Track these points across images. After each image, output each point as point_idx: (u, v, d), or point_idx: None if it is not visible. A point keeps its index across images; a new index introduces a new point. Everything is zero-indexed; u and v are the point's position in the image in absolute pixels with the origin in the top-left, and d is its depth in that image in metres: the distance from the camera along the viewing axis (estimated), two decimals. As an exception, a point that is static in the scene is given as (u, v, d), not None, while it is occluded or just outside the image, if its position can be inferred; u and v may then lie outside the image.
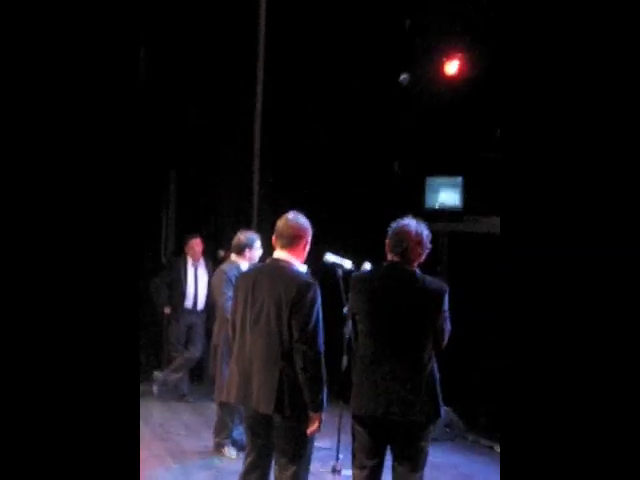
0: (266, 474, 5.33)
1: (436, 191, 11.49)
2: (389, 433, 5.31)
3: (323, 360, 5.10)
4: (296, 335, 5.03)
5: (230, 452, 8.29)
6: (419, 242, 5.36)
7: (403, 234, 5.37)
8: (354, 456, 5.47)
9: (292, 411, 5.04)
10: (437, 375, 5.30)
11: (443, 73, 11.17)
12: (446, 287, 5.30)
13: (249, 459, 5.35)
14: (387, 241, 5.46)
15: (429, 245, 5.44)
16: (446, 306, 5.27)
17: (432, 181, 11.54)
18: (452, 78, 11.16)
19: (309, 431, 5.13)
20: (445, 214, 11.47)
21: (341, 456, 7.67)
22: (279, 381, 5.05)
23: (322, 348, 5.09)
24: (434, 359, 5.29)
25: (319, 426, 5.14)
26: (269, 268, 5.35)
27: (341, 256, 7.36)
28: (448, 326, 5.31)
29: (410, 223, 5.42)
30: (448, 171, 11.47)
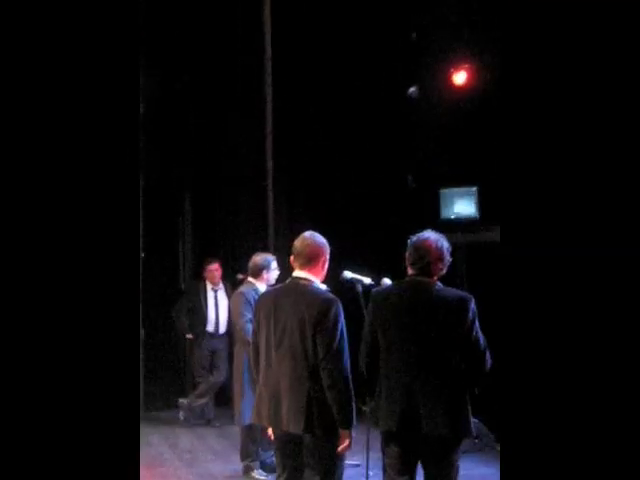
0: None
1: (451, 202, 11.45)
2: (418, 449, 5.27)
3: (350, 377, 5.08)
4: (322, 353, 5.02)
5: (260, 475, 8.27)
6: (440, 255, 5.34)
7: (423, 248, 5.34)
8: (385, 472, 5.44)
9: (322, 430, 5.03)
10: (477, 386, 5.24)
11: (451, 83, 11.16)
12: (470, 297, 5.23)
13: (282, 478, 5.33)
14: (407, 255, 5.43)
15: (449, 258, 5.41)
16: (473, 317, 5.19)
17: (446, 192, 11.52)
18: (461, 88, 11.15)
19: (340, 449, 5.11)
20: (461, 225, 11.44)
21: (371, 473, 7.65)
22: (307, 400, 5.04)
23: (348, 365, 5.07)
24: (466, 374, 5.21)
25: (350, 443, 5.12)
26: (289, 288, 5.35)
27: (359, 273, 7.36)
28: (482, 338, 5.22)
29: (430, 236, 5.40)
30: (462, 181, 11.45)
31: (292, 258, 5.39)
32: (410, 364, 5.25)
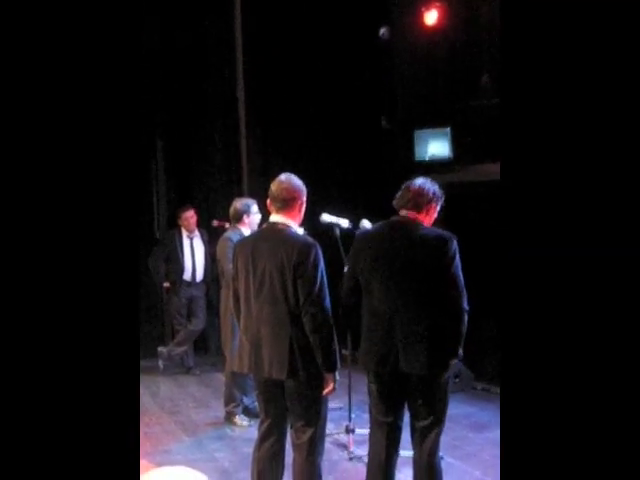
0: (282, 440, 5.31)
1: (425, 143, 11.44)
2: (401, 388, 5.26)
3: (332, 320, 5.05)
4: (302, 298, 4.99)
5: (242, 420, 8.28)
6: (429, 200, 5.29)
7: (413, 191, 5.31)
8: (370, 414, 5.44)
9: (306, 375, 5.01)
10: (452, 327, 5.18)
11: (423, 24, 11.05)
12: (450, 236, 5.15)
13: (264, 426, 5.32)
14: (397, 197, 5.38)
15: (439, 205, 5.36)
16: (453, 256, 5.12)
17: (420, 133, 11.49)
18: (432, 28, 11.05)
19: (325, 392, 5.10)
20: (436, 165, 11.42)
21: (353, 415, 7.68)
22: (290, 346, 5.01)
23: (330, 308, 5.04)
24: (450, 312, 5.15)
25: (334, 386, 5.11)
26: (267, 233, 5.29)
27: (337, 216, 7.33)
28: (460, 279, 5.14)
29: (421, 181, 5.35)
30: (436, 122, 11.41)
31: (268, 202, 5.32)
32: (389, 304, 5.21)
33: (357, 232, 5.60)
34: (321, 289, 5.00)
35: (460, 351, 5.15)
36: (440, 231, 5.24)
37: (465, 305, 5.09)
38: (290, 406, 5.15)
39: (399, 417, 5.39)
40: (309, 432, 5.11)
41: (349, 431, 7.45)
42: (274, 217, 5.25)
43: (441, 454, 6.98)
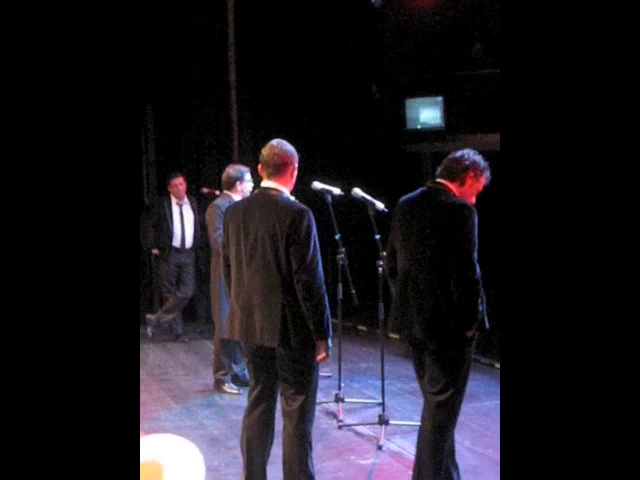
0: (272, 407, 5.29)
1: (417, 112, 11.40)
2: (422, 355, 5.34)
3: (324, 287, 5.02)
4: (295, 265, 4.94)
5: (231, 388, 8.28)
6: (463, 167, 5.23)
7: (449, 158, 5.32)
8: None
9: (298, 342, 4.98)
10: (462, 298, 5.13)
11: (415, -9, 10.98)
12: (470, 208, 5.12)
13: (254, 393, 5.29)
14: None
15: (480, 174, 5.30)
16: (469, 227, 5.05)
17: (412, 102, 11.44)
18: (425, -4, 10.98)
19: (318, 359, 5.08)
20: (427, 134, 11.40)
21: (343, 384, 7.69)
22: (282, 314, 4.97)
23: (322, 275, 5.01)
24: (459, 282, 5.06)
25: (327, 354, 5.09)
26: (259, 199, 5.22)
27: (329, 184, 7.30)
28: (472, 250, 5.07)
29: (462, 151, 5.34)
30: (427, 91, 11.37)
31: (259, 167, 5.24)
32: (407, 270, 5.26)
33: (400, 199, 5.52)
34: (314, 256, 4.96)
35: (480, 323, 5.11)
36: (462, 201, 5.17)
37: (476, 276, 5.05)
38: (281, 374, 5.12)
39: None
40: (300, 400, 5.08)
41: (338, 400, 7.48)
42: (266, 183, 5.19)
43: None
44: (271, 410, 5.29)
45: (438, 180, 5.31)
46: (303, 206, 5.07)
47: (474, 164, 5.27)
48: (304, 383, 5.09)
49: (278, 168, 5.15)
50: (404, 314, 5.23)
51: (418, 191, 5.41)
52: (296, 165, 5.23)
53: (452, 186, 5.25)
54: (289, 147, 5.22)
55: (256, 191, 5.36)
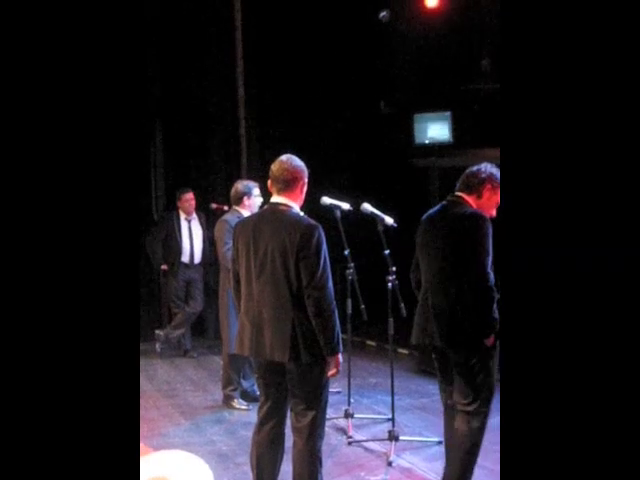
0: (282, 423, 5.27)
1: (425, 127, 11.43)
2: (444, 364, 5.47)
3: (334, 303, 5.01)
4: (305, 281, 4.93)
5: (240, 404, 8.25)
6: (480, 179, 5.34)
7: (466, 172, 5.44)
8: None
9: (308, 358, 4.96)
10: (482, 304, 5.17)
11: (423, 7, 11.00)
12: (484, 217, 5.23)
13: (264, 409, 5.27)
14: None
15: (496, 186, 5.35)
16: (481, 235, 5.16)
17: (420, 117, 11.46)
18: (433, 11, 11.00)
19: (329, 374, 5.07)
20: (435, 149, 11.42)
21: (352, 400, 7.67)
22: (292, 329, 4.96)
23: (332, 290, 5.00)
24: (474, 290, 5.18)
25: (338, 369, 5.08)
26: (268, 214, 5.21)
27: (337, 199, 7.29)
28: (486, 260, 5.16)
29: (480, 165, 5.45)
30: (435, 106, 11.39)
31: (269, 183, 5.24)
32: (425, 280, 5.44)
33: (424, 215, 5.65)
34: (324, 272, 4.94)
35: (496, 330, 5.18)
36: (475, 211, 5.29)
37: (489, 284, 5.11)
38: (291, 389, 5.11)
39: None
40: (310, 416, 5.06)
41: (348, 415, 7.45)
42: (275, 198, 5.19)
43: (441, 439, 7.05)
44: (281, 426, 5.27)
45: (457, 194, 5.44)
46: (313, 221, 5.06)
47: (491, 177, 5.36)
48: (314, 399, 5.07)
49: (288, 183, 5.14)
50: (426, 323, 5.34)
51: (438, 206, 5.55)
52: (306, 180, 5.22)
53: (469, 199, 5.37)
54: (299, 162, 5.22)
55: (266, 206, 5.35)
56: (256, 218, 5.34)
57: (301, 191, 5.22)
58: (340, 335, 5.01)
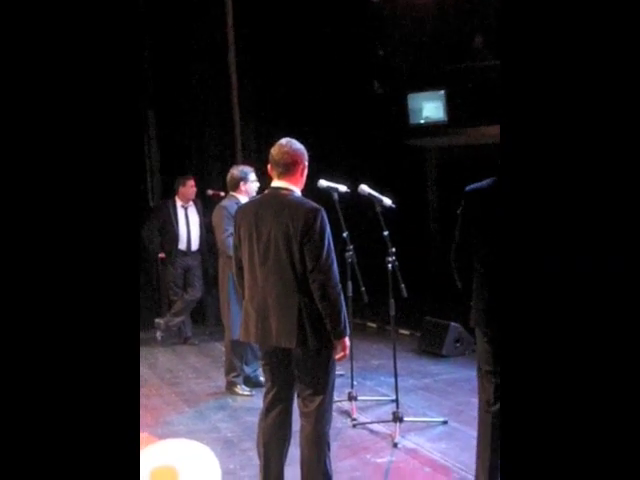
0: (289, 409, 5.23)
1: (419, 106, 11.40)
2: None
3: (340, 286, 4.98)
4: (310, 265, 4.88)
5: (243, 390, 8.24)
6: None
7: None
8: (479, 370, 5.28)
9: (315, 343, 4.93)
10: None
11: (414, -15, 10.97)
12: None
13: (270, 395, 5.24)
14: None
15: None
16: None
17: (414, 96, 11.43)
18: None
19: (337, 358, 5.05)
20: (430, 129, 11.38)
21: (355, 383, 7.65)
22: (298, 314, 4.92)
23: (337, 273, 4.97)
24: None
25: (346, 352, 5.07)
26: (270, 198, 5.15)
27: (334, 181, 7.26)
28: None
29: None
30: (429, 85, 11.36)
31: (269, 167, 5.18)
32: (478, 260, 5.11)
33: (466, 188, 5.26)
34: (329, 255, 4.90)
35: None
36: None
37: None
38: (298, 374, 5.08)
39: None
40: (317, 400, 5.04)
41: (352, 398, 7.44)
42: (276, 182, 5.13)
43: (445, 419, 7.05)
44: (288, 412, 5.24)
45: None
46: (316, 205, 5.02)
47: None
48: (321, 383, 5.04)
49: (288, 167, 5.09)
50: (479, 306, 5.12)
51: (489, 182, 5.24)
52: (306, 164, 5.17)
53: None
54: (298, 145, 5.17)
55: (267, 191, 5.29)
56: (257, 203, 5.28)
57: (302, 174, 5.17)
58: (347, 318, 4.99)
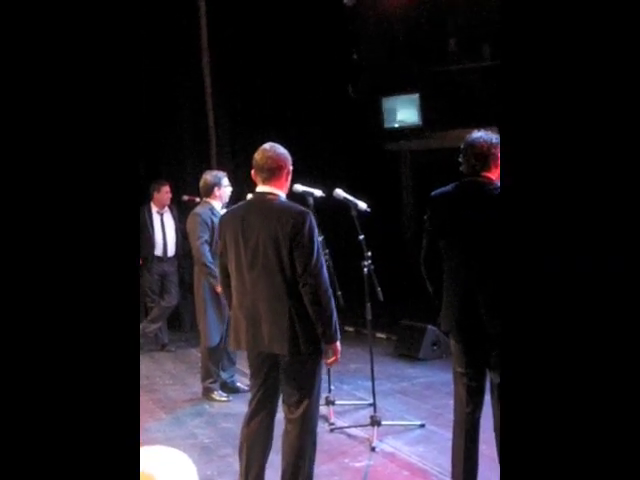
0: (273, 414, 5.21)
1: (394, 110, 11.42)
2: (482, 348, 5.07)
3: (330, 289, 4.98)
4: (300, 269, 4.87)
5: (220, 395, 8.21)
6: (494, 152, 5.03)
7: (478, 147, 5.06)
8: (454, 372, 5.26)
9: (307, 347, 4.92)
10: None
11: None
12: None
13: (255, 401, 5.19)
14: (461, 156, 5.15)
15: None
16: None
17: (388, 100, 11.44)
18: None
19: (330, 362, 5.07)
20: (405, 132, 11.40)
21: (332, 387, 7.64)
22: (289, 320, 4.91)
23: (327, 277, 4.95)
24: None
25: (337, 357, 5.07)
26: (256, 204, 5.14)
27: (309, 186, 7.26)
28: None
29: (482, 135, 5.08)
30: (403, 89, 11.37)
31: (253, 173, 5.16)
32: (469, 265, 5.04)
33: (431, 194, 5.29)
34: (318, 258, 4.89)
35: None
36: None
37: None
38: (285, 380, 5.06)
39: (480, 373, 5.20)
40: (303, 406, 5.02)
41: (329, 402, 7.43)
42: (261, 188, 5.11)
43: (423, 422, 7.05)
44: (272, 417, 5.22)
45: (471, 173, 5.14)
46: (303, 208, 5.04)
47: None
48: (308, 389, 5.03)
49: (273, 172, 5.07)
50: (454, 310, 5.10)
51: (453, 188, 5.24)
52: (290, 168, 5.16)
53: (491, 178, 5.08)
54: (282, 150, 5.16)
55: (252, 197, 5.26)
56: (243, 209, 5.25)
57: (286, 179, 5.16)
58: (337, 322, 4.98)
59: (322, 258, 4.95)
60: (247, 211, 5.14)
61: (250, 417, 5.23)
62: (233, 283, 5.15)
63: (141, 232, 10.76)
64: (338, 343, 5.02)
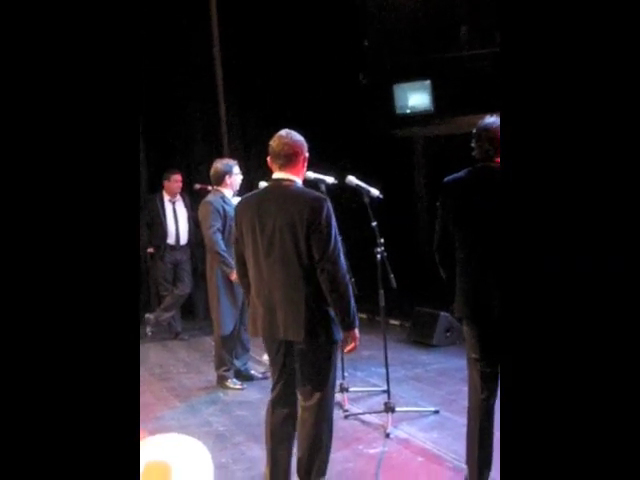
0: (295, 402, 5.17)
1: (405, 97, 11.37)
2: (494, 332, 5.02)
3: (348, 276, 4.95)
4: (318, 255, 4.83)
5: (234, 383, 8.23)
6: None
7: (492, 131, 5.02)
8: (468, 358, 5.24)
9: (324, 335, 4.91)
10: None
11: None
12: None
13: (276, 390, 5.20)
14: (474, 142, 5.11)
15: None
16: None
17: (400, 87, 11.40)
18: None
19: (348, 349, 5.05)
20: (417, 118, 11.36)
21: (346, 374, 7.64)
22: (306, 307, 4.88)
23: (345, 263, 4.93)
24: None
25: (356, 344, 5.05)
26: (273, 191, 5.10)
27: (322, 173, 7.25)
28: None
29: (495, 119, 5.05)
30: (415, 75, 11.33)
31: (269, 160, 5.13)
32: (482, 251, 5.01)
33: (444, 180, 5.24)
34: (336, 244, 4.86)
35: None
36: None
37: None
38: (301, 367, 5.03)
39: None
40: (318, 394, 5.00)
41: (343, 389, 7.43)
42: (277, 174, 5.08)
43: (437, 408, 7.06)
44: (294, 405, 5.19)
45: (483, 158, 5.12)
46: (320, 194, 5.02)
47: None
48: (324, 376, 5.01)
49: (289, 158, 5.04)
50: (469, 297, 5.07)
51: (466, 173, 5.20)
52: (306, 154, 5.13)
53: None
54: (298, 136, 5.13)
55: (269, 183, 5.22)
56: (260, 195, 5.23)
57: (303, 165, 5.13)
58: (355, 309, 4.96)
59: (340, 244, 4.91)
60: (263, 198, 5.11)
61: (273, 407, 5.22)
62: (250, 270, 5.11)
63: (153, 221, 10.81)
64: (356, 330, 4.99)
